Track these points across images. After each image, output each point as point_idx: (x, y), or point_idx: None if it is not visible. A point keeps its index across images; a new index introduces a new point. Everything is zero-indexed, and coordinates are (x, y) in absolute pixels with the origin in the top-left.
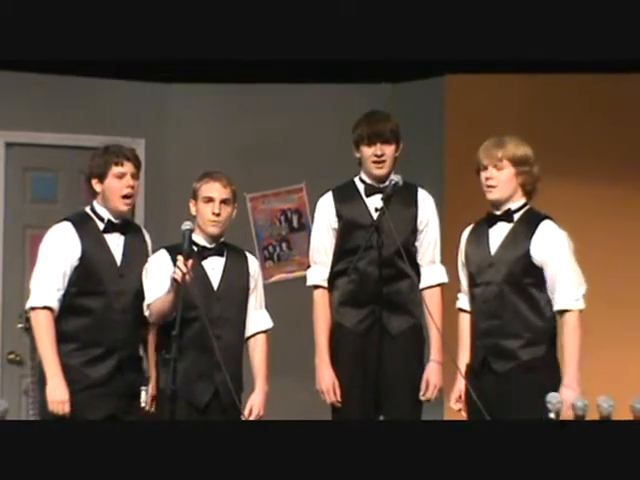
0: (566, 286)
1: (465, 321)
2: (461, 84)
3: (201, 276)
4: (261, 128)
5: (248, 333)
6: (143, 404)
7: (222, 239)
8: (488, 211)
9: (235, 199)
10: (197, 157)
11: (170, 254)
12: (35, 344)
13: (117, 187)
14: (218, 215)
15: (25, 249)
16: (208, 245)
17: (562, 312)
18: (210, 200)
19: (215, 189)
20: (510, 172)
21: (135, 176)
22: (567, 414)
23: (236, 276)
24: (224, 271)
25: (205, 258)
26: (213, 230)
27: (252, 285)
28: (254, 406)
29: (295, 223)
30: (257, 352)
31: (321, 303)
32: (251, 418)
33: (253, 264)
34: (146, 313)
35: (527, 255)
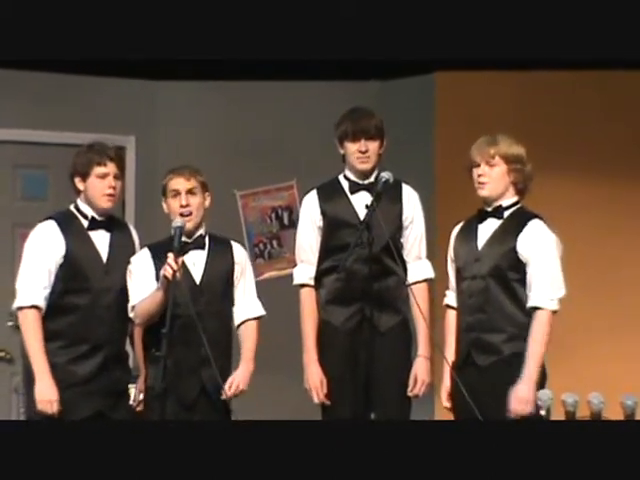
0: (543, 285)
1: (453, 318)
2: (450, 81)
3: (183, 272)
4: (251, 125)
5: (237, 321)
6: (132, 402)
7: (201, 232)
8: (479, 208)
9: (205, 189)
10: (187, 154)
11: (152, 252)
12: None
13: (99, 187)
14: (186, 206)
15: (15, 247)
16: (187, 239)
17: (534, 309)
18: (177, 193)
19: (179, 182)
20: (502, 169)
21: (118, 176)
22: (522, 409)
23: (219, 268)
24: (206, 264)
25: (185, 253)
26: (186, 223)
27: (237, 272)
28: (235, 380)
29: (286, 220)
30: (245, 339)
31: (308, 301)
32: (231, 391)
33: (239, 252)
34: (131, 315)
35: (513, 250)
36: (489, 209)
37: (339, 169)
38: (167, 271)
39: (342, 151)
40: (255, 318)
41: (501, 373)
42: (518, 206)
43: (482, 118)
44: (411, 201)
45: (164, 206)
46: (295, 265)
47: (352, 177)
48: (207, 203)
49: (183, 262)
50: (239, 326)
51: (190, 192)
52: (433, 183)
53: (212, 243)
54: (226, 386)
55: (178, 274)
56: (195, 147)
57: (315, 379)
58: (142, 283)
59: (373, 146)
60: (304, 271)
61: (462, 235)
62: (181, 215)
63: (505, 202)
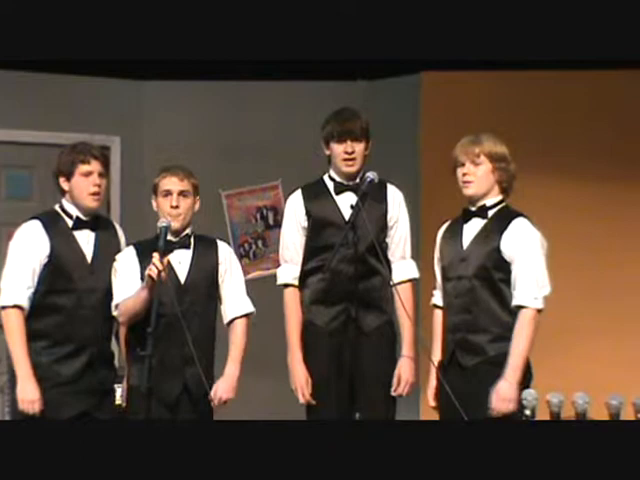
0: (527, 283)
1: (439, 317)
2: (436, 81)
3: (168, 271)
4: (236, 126)
5: (226, 319)
6: (118, 401)
7: (187, 232)
8: (464, 207)
9: (196, 192)
10: (172, 154)
11: (137, 250)
12: None
13: (84, 185)
14: (176, 208)
15: (0, 246)
16: (173, 239)
17: (519, 308)
18: (168, 193)
19: (172, 183)
20: (487, 168)
21: (102, 175)
22: (502, 407)
23: (204, 267)
24: (191, 264)
25: (171, 252)
26: (174, 224)
27: (222, 270)
28: (218, 391)
29: (271, 220)
30: (235, 336)
31: (292, 301)
32: (216, 403)
33: (224, 250)
34: (114, 313)
35: (497, 250)
36: (473, 209)
37: (325, 169)
38: (152, 271)
39: (328, 152)
40: (244, 315)
41: (486, 374)
42: (502, 205)
43: (468, 118)
44: (396, 201)
45: (153, 204)
46: (280, 265)
47: (337, 178)
48: (197, 207)
49: (169, 261)
50: (229, 324)
51: (182, 194)
52: (419, 183)
53: (197, 243)
54: (211, 394)
55: (163, 274)
56: (180, 147)
57: (300, 379)
58: (127, 281)
59: (359, 147)
60: (288, 271)
61: (447, 235)
62: (170, 216)
63: (489, 201)
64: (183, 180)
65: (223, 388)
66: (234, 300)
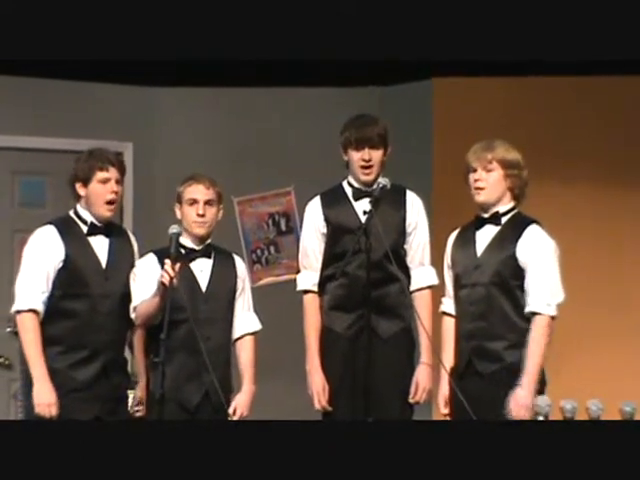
0: (540, 290)
1: (449, 325)
2: (449, 87)
3: (189, 278)
4: (249, 131)
5: (236, 335)
6: (130, 408)
7: (209, 241)
8: (476, 214)
9: (220, 200)
10: (185, 161)
11: (158, 257)
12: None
13: (101, 192)
14: (203, 216)
15: (13, 253)
16: (195, 247)
17: (532, 315)
18: (194, 202)
19: (198, 191)
20: (499, 174)
21: (119, 182)
22: (520, 414)
23: (224, 278)
24: (212, 273)
25: (193, 260)
26: (199, 232)
27: (240, 287)
28: (238, 406)
29: (283, 226)
30: (244, 353)
31: (311, 308)
32: (235, 418)
33: (240, 266)
34: (132, 315)
35: (513, 257)
36: (486, 215)
37: (337, 175)
38: (164, 277)
39: (346, 158)
40: (253, 333)
41: (504, 380)
42: (515, 212)
43: (480, 124)
44: (415, 207)
45: (177, 212)
46: (293, 271)
47: (355, 184)
48: (220, 215)
49: (189, 268)
50: (236, 340)
51: (208, 202)
52: (431, 188)
53: (216, 253)
54: (230, 411)
55: (175, 280)
56: (192, 153)
57: (318, 385)
58: (145, 286)
59: (376, 155)
60: (307, 277)
61: (459, 242)
62: (196, 223)
63: (502, 208)
64: (209, 188)
65: (244, 403)
66: (244, 317)
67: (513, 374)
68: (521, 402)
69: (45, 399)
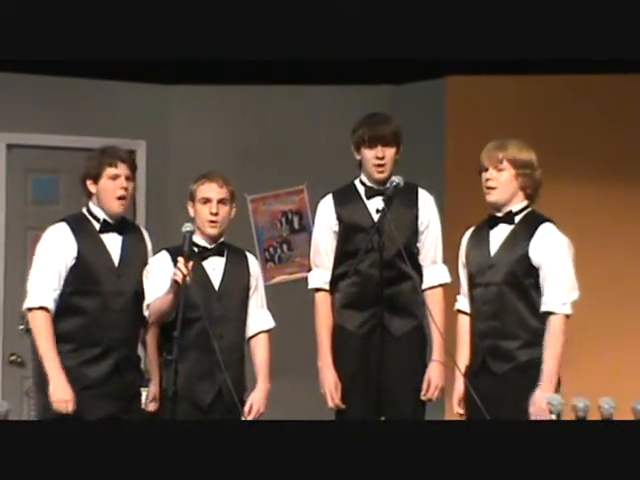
0: (555, 289)
1: (464, 323)
2: (461, 85)
3: (202, 276)
4: (262, 129)
5: (250, 333)
6: (143, 405)
7: (222, 239)
8: (489, 213)
9: (233, 199)
10: (198, 158)
11: (171, 255)
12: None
13: (111, 188)
14: (216, 215)
15: (26, 251)
16: (208, 245)
17: (548, 314)
18: (207, 201)
19: (212, 189)
20: (510, 174)
21: (129, 178)
22: (542, 416)
23: (237, 276)
24: (225, 271)
25: (205, 258)
26: (212, 230)
27: (253, 284)
28: (254, 403)
29: (296, 224)
30: (259, 351)
31: (322, 306)
32: (251, 416)
33: (253, 264)
34: (145, 313)
35: (526, 256)
36: (499, 214)
37: (350, 173)
38: (177, 275)
39: (358, 157)
40: (267, 330)
41: (517, 380)
42: (528, 210)
43: (493, 122)
44: (427, 205)
45: (190, 210)
46: (305, 269)
47: (368, 182)
48: (232, 213)
49: (202, 266)
50: (251, 338)
51: (221, 201)
52: (444, 187)
53: (229, 251)
54: (246, 408)
55: (188, 278)
56: (205, 151)
57: (330, 384)
58: (158, 283)
59: (389, 152)
60: (319, 275)
61: (474, 241)
62: (209, 222)
63: (515, 207)
64: (222, 187)
65: (260, 400)
66: (258, 314)
67: (527, 373)
68: (542, 404)
69: (63, 395)
